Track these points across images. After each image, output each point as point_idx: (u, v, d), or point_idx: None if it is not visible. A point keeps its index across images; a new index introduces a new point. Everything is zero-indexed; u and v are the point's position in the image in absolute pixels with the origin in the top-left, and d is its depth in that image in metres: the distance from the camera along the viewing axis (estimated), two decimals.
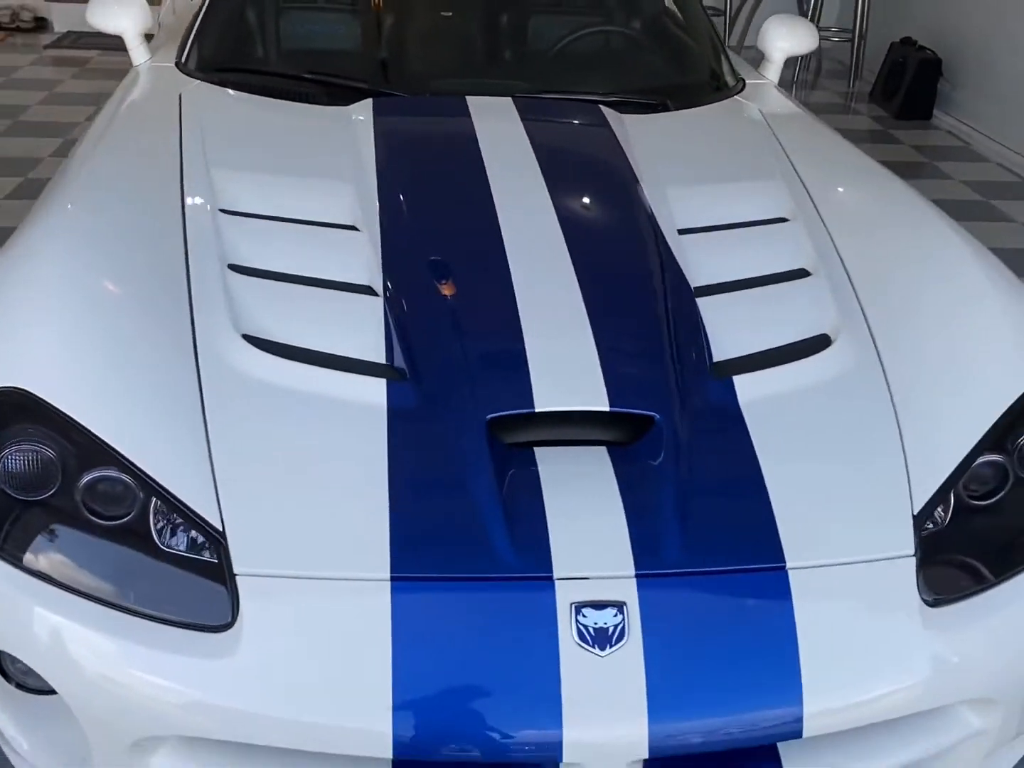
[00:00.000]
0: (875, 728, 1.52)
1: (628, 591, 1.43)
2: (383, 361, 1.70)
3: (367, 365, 1.69)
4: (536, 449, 1.59)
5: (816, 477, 1.60)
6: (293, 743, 1.37)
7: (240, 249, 1.91)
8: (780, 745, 1.50)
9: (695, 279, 1.95)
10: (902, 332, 1.85)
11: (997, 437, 1.67)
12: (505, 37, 2.94)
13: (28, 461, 1.48)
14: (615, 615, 1.41)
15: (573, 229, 2.00)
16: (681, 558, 1.47)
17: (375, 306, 1.79)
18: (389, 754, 1.35)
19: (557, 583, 1.42)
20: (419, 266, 1.89)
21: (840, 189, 2.31)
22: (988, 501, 1.66)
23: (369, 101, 2.45)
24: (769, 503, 1.54)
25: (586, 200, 2.17)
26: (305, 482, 1.51)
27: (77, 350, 1.60)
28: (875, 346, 1.82)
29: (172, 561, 1.45)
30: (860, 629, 1.48)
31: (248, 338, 1.71)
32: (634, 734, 1.37)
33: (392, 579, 1.41)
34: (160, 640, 1.40)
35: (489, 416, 1.58)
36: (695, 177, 2.32)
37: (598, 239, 2.05)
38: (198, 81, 2.63)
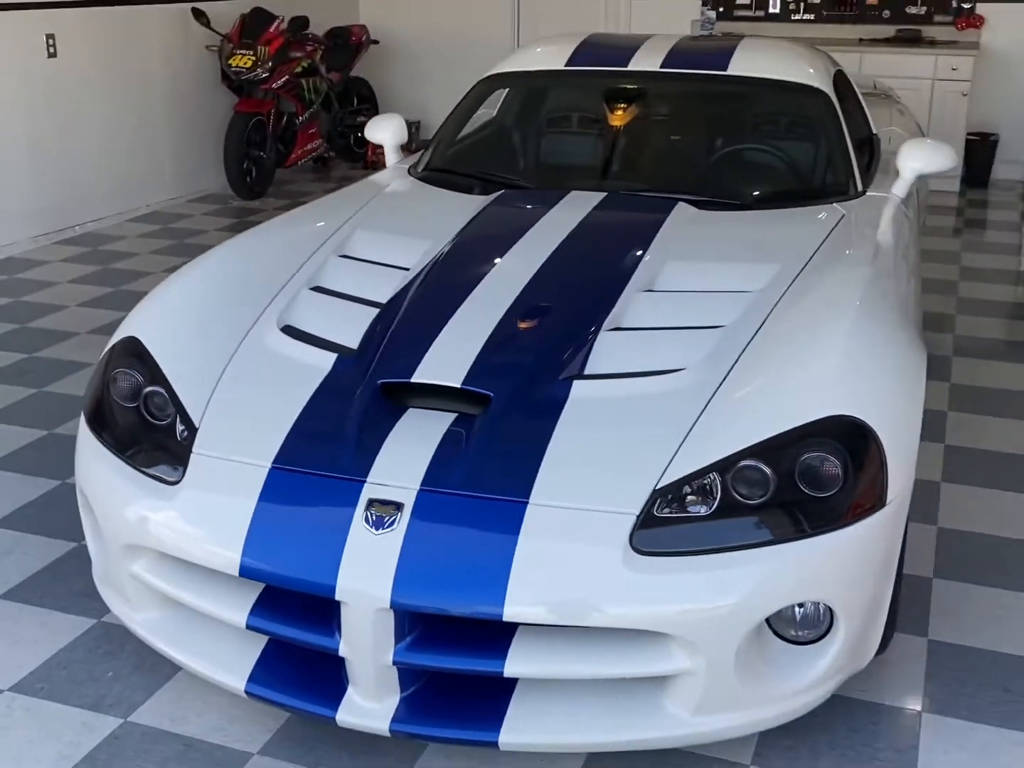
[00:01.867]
0: (594, 642, 1.99)
1: (409, 498, 2.06)
2: (351, 345, 2.47)
3: (339, 347, 2.47)
4: (411, 409, 2.27)
5: (593, 445, 2.11)
6: (198, 560, 2.16)
7: (325, 276, 2.80)
8: (514, 642, 2.02)
9: (620, 320, 2.50)
10: (757, 366, 2.27)
11: (772, 448, 2.06)
12: (642, 146, 3.60)
13: (124, 381, 2.44)
14: (394, 511, 2.04)
15: (542, 278, 2.64)
16: (456, 483, 2.06)
17: (372, 314, 2.58)
18: (236, 572, 2.09)
19: (366, 485, 2.08)
20: (421, 292, 2.64)
21: (820, 277, 2.68)
22: (753, 502, 2.05)
23: (501, 192, 3.27)
24: (542, 457, 2.09)
25: (576, 260, 2.78)
26: (257, 406, 2.32)
27: (177, 318, 2.57)
28: (726, 375, 2.27)
29: (167, 443, 2.33)
30: (570, 554, 1.97)
31: (284, 328, 2.57)
32: (382, 589, 1.99)
33: (271, 467, 2.17)
34: (144, 484, 2.27)
35: (380, 381, 2.30)
36: (703, 255, 2.83)
37: (557, 283, 2.61)
38: (411, 177, 3.62)
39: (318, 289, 2.74)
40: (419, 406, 2.27)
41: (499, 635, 2.03)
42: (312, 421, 2.25)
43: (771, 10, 7.91)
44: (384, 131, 3.87)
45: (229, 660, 2.19)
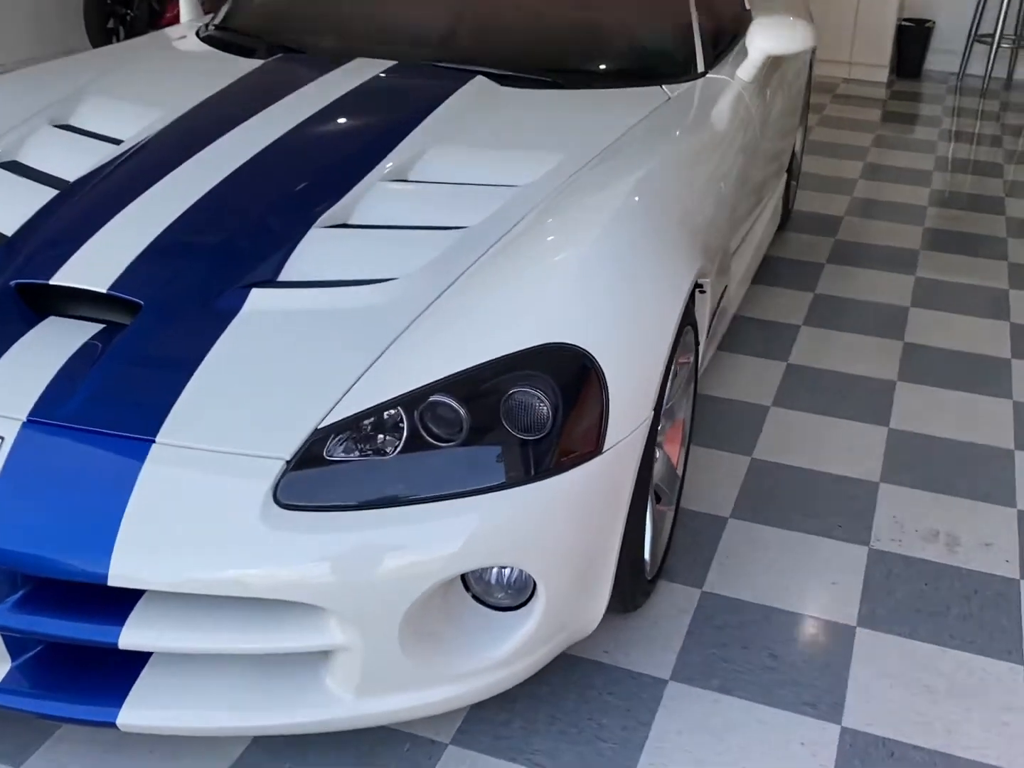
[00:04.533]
0: (235, 611, 1.65)
1: (11, 430, 1.67)
2: (6, 232, 2.05)
3: None
4: (51, 317, 1.86)
5: (253, 371, 1.73)
6: None
7: (23, 149, 2.35)
8: (136, 608, 1.67)
9: (344, 216, 2.09)
10: (484, 281, 1.89)
11: (468, 381, 1.69)
12: (448, 8, 3.10)
13: None
14: None
15: (263, 160, 2.22)
16: (75, 414, 1.68)
17: (47, 194, 2.15)
18: None
19: None
20: (112, 172, 2.18)
21: (601, 173, 2.27)
22: (444, 445, 1.68)
23: (276, 57, 2.80)
24: (182, 389, 1.70)
25: (317, 140, 2.36)
26: None
27: None
28: (443, 291, 1.87)
29: None
30: (197, 506, 1.61)
31: None
32: None
33: None
34: None
35: (15, 281, 1.89)
36: (477, 142, 2.40)
37: (281, 168, 2.20)
38: (195, 38, 3.14)
39: (8, 165, 2.31)
40: (64, 315, 1.87)
41: (123, 599, 1.68)
42: None
43: None
44: None
45: None
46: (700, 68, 2.94)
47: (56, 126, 2.47)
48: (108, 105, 2.56)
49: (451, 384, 1.70)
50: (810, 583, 2.33)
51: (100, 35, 6.27)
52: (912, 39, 7.20)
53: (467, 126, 2.46)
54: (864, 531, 2.51)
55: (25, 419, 1.67)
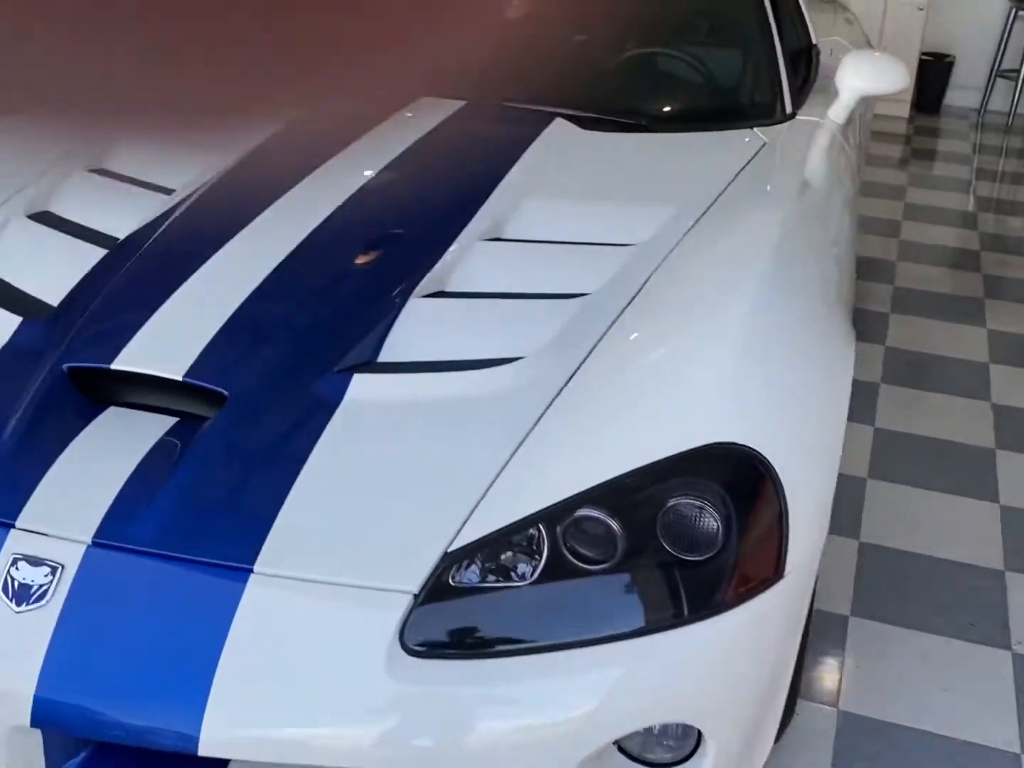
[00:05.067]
0: None
1: (73, 555, 1.36)
2: (51, 301, 1.74)
3: (32, 304, 1.74)
4: (111, 408, 1.55)
5: (363, 478, 1.43)
6: None
7: (59, 197, 2.03)
8: None
9: (443, 282, 1.80)
10: (618, 363, 1.60)
11: (621, 491, 1.40)
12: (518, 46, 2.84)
13: None
14: (46, 575, 1.34)
15: (343, 218, 1.91)
16: (151, 536, 1.36)
17: (97, 257, 1.84)
18: None
19: (13, 531, 1.38)
20: (171, 230, 1.89)
21: (723, 234, 2.00)
22: (597, 567, 1.39)
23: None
24: (282, 502, 1.39)
25: (399, 194, 2.07)
26: None
27: None
28: (573, 374, 1.59)
29: None
30: (307, 653, 1.30)
31: None
32: (19, 698, 1.30)
33: None
34: None
35: (67, 365, 1.58)
36: (572, 194, 2.12)
37: (364, 227, 1.92)
38: None
39: (42, 217, 1.99)
40: (125, 404, 1.56)
41: (209, 762, 1.37)
42: None
43: None
44: None
45: None
46: (788, 108, 2.68)
47: (92, 171, 2.16)
48: (148, 147, 2.25)
49: (600, 494, 1.41)
50: (957, 699, 2.04)
51: None
52: (933, 74, 7.01)
53: (558, 175, 2.17)
54: (1001, 631, 2.23)
55: (90, 542, 1.36)
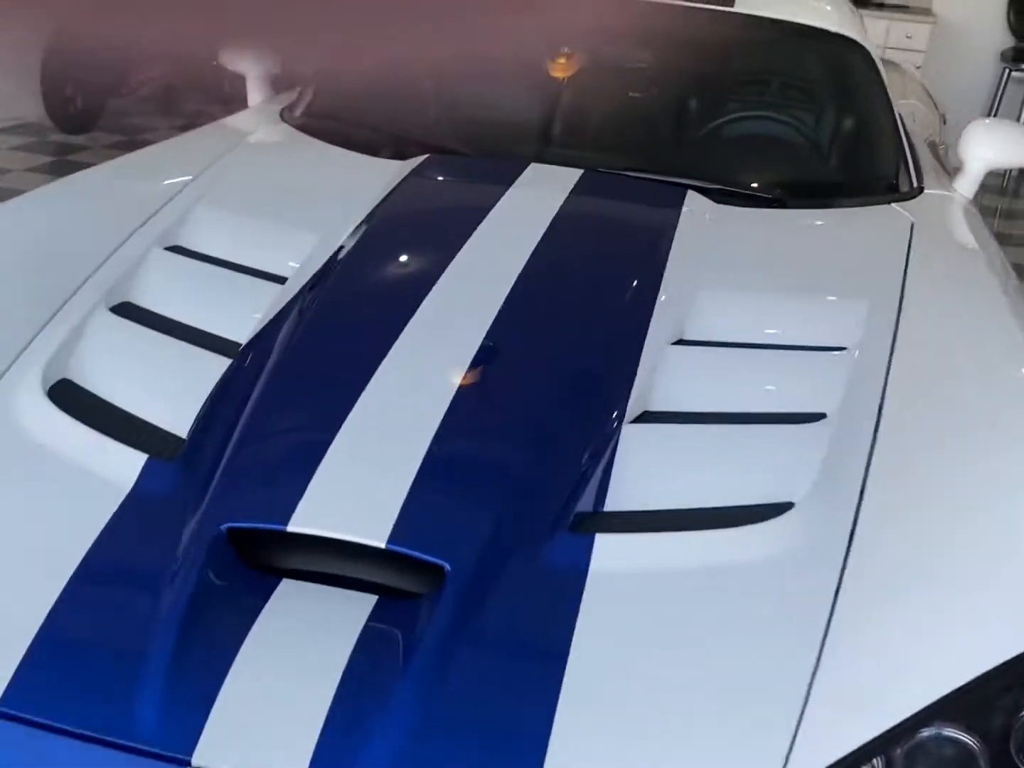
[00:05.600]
0: None
1: None
2: (175, 430, 1.37)
3: (152, 435, 1.37)
4: (285, 581, 1.19)
5: (640, 697, 1.09)
6: None
7: (137, 285, 1.67)
8: None
9: (648, 399, 1.47)
10: (911, 512, 1.29)
11: (970, 702, 1.08)
12: (624, 103, 2.55)
13: None
14: None
15: (509, 322, 1.58)
16: None
17: (217, 368, 1.47)
18: None
19: None
20: (307, 332, 1.54)
21: (941, 334, 1.72)
22: None
23: (423, 157, 2.16)
24: (550, 723, 1.04)
25: (561, 286, 1.74)
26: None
27: None
28: (853, 526, 1.27)
29: None
30: None
31: (54, 387, 1.44)
32: None
33: None
34: None
35: (226, 526, 1.21)
36: (748, 284, 1.82)
37: (538, 333, 1.59)
38: (284, 124, 2.47)
39: (121, 310, 1.62)
40: (300, 573, 1.20)
41: None
42: (88, 600, 1.16)
43: None
44: (245, 57, 2.70)
45: None
46: (914, 182, 2.43)
47: (167, 248, 1.79)
48: (233, 222, 1.88)
49: (947, 706, 1.08)
50: None
51: (58, 103, 5.51)
52: None
53: (718, 261, 1.88)
54: None
55: None
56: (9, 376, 1.44)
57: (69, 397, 1.42)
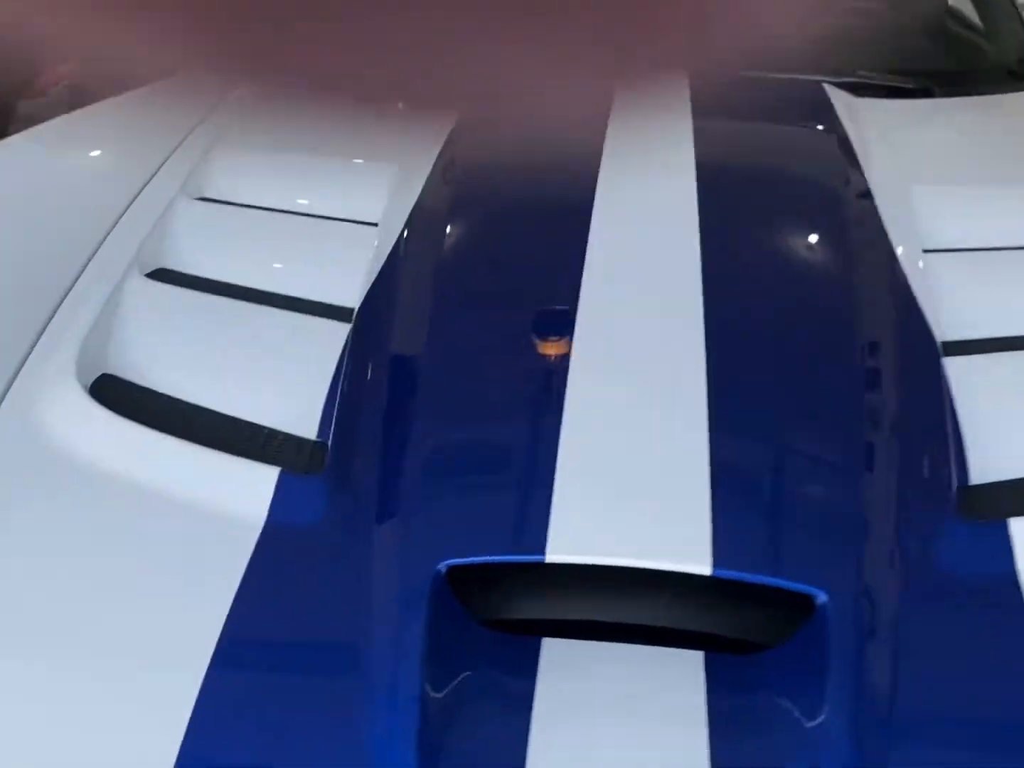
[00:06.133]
0: None
1: None
2: (304, 432, 0.92)
3: (271, 440, 0.91)
4: (545, 641, 0.74)
5: None
6: None
7: (170, 248, 1.21)
8: None
9: (946, 329, 1.06)
10: None
11: None
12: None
13: None
14: None
15: (723, 255, 1.14)
16: None
17: (334, 340, 1.01)
18: None
19: None
20: (445, 291, 1.08)
21: None
22: None
23: None
24: None
25: (768, 218, 1.30)
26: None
27: None
28: None
29: None
30: None
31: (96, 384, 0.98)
32: None
33: None
34: None
35: (445, 564, 0.76)
36: (957, 178, 1.45)
37: (775, 273, 1.17)
38: None
39: (161, 276, 1.15)
40: (544, 624, 0.76)
41: None
42: (233, 690, 0.71)
43: None
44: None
45: None
46: None
47: (198, 199, 1.33)
48: (271, 166, 1.42)
49: None
50: None
51: None
52: None
53: (915, 157, 1.50)
54: None
55: None
56: (30, 370, 0.97)
57: (126, 399, 0.95)
